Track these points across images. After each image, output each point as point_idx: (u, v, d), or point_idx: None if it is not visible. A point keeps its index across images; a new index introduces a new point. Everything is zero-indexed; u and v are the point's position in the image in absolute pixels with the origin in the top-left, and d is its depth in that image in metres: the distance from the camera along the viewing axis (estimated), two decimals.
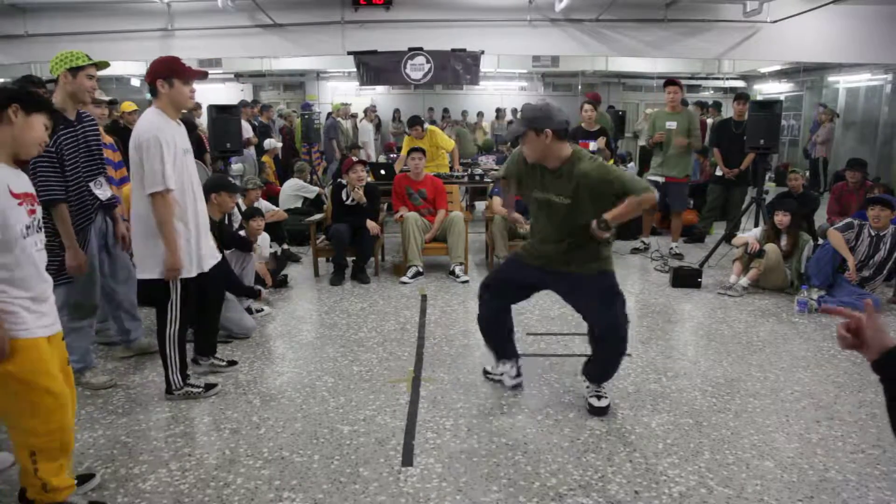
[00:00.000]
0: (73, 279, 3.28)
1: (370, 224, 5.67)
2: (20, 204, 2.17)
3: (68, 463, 2.36)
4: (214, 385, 3.42)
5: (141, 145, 2.96)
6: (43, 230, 2.32)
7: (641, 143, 10.57)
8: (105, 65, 3.31)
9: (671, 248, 6.66)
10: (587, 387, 3.29)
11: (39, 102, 2.27)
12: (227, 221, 4.62)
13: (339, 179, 6.06)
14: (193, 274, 3.19)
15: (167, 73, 3.04)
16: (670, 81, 6.61)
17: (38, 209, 2.30)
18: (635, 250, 6.88)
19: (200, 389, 3.35)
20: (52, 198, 3.07)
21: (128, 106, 7.39)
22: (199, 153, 6.92)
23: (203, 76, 3.32)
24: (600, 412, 3.15)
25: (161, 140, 2.95)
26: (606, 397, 3.22)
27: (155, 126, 2.99)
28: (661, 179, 6.60)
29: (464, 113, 15.69)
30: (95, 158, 3.40)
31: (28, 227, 2.20)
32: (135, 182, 3.06)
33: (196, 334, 3.70)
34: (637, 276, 5.96)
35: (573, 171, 2.97)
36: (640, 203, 2.92)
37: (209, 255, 3.31)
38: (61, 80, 3.20)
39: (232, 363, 3.79)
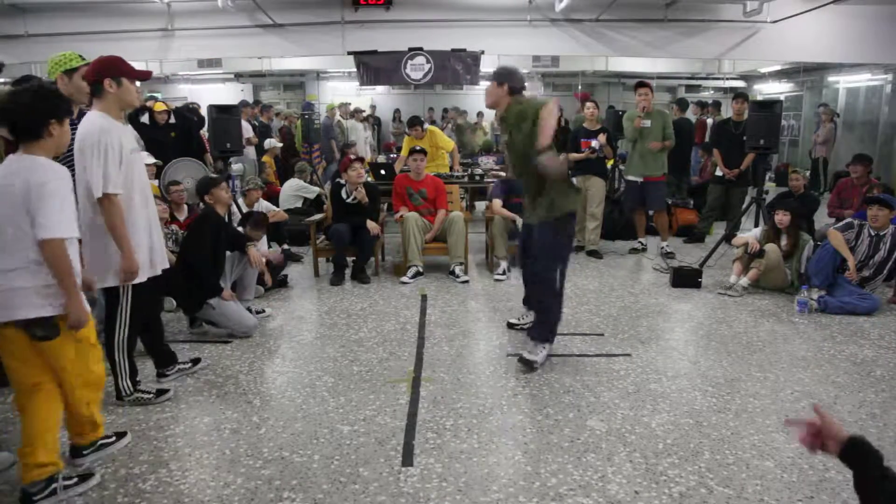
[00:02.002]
0: None
1: (370, 224, 5.66)
2: None
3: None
4: (166, 391, 3.35)
5: (84, 149, 2.88)
6: None
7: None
8: None
9: (662, 248, 6.65)
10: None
11: (67, 109, 2.49)
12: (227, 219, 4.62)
13: (337, 179, 6.05)
14: (145, 278, 3.11)
15: (115, 71, 2.97)
16: (641, 83, 6.56)
17: None
18: (633, 250, 6.89)
19: (151, 395, 3.29)
20: None
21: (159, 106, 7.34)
22: (199, 153, 6.95)
23: (148, 76, 3.27)
24: (529, 365, 3.67)
25: (105, 143, 2.87)
26: (537, 354, 3.71)
27: (97, 128, 2.89)
28: (639, 179, 6.59)
29: (463, 112, 15.67)
30: None
31: None
32: (80, 188, 2.91)
33: (150, 348, 3.56)
34: (636, 276, 5.96)
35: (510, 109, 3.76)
36: (548, 111, 3.41)
37: (161, 260, 3.26)
38: (59, 83, 3.25)
39: (196, 361, 3.73)
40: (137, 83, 3.10)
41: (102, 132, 2.88)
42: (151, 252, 3.17)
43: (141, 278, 3.07)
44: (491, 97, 3.79)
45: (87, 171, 2.88)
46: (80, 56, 3.28)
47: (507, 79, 3.73)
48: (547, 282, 3.74)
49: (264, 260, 4.63)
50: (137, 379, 3.32)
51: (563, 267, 3.80)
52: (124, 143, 2.98)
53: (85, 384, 2.56)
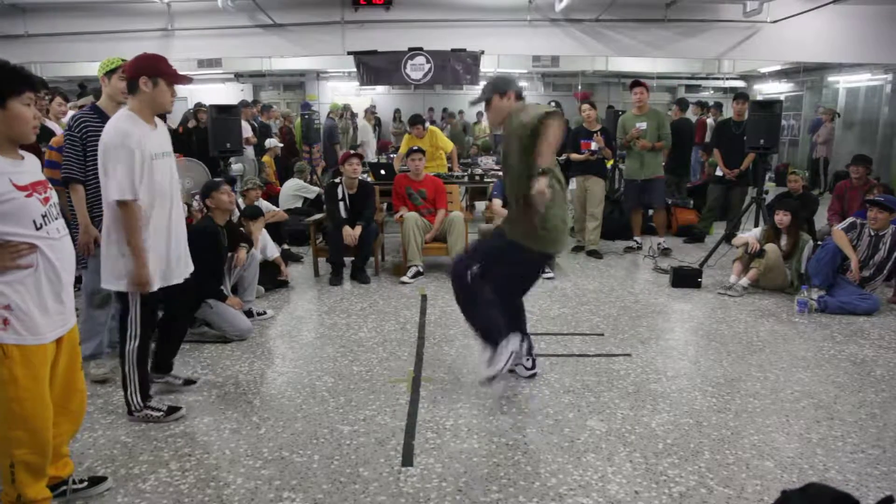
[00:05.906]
0: (87, 265, 3.41)
1: (349, 231, 5.53)
2: (28, 196, 2.06)
3: (56, 462, 2.35)
4: (178, 409, 3.14)
5: (107, 151, 2.77)
6: (61, 217, 2.22)
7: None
8: None
9: (659, 244, 6.66)
10: None
11: (9, 84, 2.05)
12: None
13: (332, 180, 6.01)
14: (156, 288, 2.92)
15: (153, 71, 2.83)
16: (637, 83, 6.56)
17: (53, 194, 2.20)
18: (629, 249, 6.90)
19: (161, 413, 3.07)
20: (68, 176, 3.34)
21: None
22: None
23: (188, 81, 3.05)
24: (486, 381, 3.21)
25: (127, 146, 2.74)
26: (496, 365, 3.11)
27: (122, 132, 2.77)
28: (638, 179, 6.60)
29: (460, 112, 15.68)
30: None
31: (45, 216, 2.11)
32: (102, 188, 2.86)
33: (156, 349, 3.39)
34: (635, 276, 5.96)
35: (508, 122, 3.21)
36: (552, 126, 2.84)
37: (180, 268, 3.07)
38: (102, 84, 3.52)
39: (189, 382, 3.47)
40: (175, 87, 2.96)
41: (125, 136, 2.76)
42: (168, 262, 2.98)
43: (151, 288, 2.89)
44: (498, 113, 3.26)
45: (107, 174, 2.78)
46: (122, 59, 3.38)
47: (509, 86, 3.27)
48: (466, 288, 3.22)
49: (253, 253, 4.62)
50: (150, 394, 3.13)
51: (501, 290, 3.29)
52: (146, 148, 2.82)
53: (13, 441, 2.11)
